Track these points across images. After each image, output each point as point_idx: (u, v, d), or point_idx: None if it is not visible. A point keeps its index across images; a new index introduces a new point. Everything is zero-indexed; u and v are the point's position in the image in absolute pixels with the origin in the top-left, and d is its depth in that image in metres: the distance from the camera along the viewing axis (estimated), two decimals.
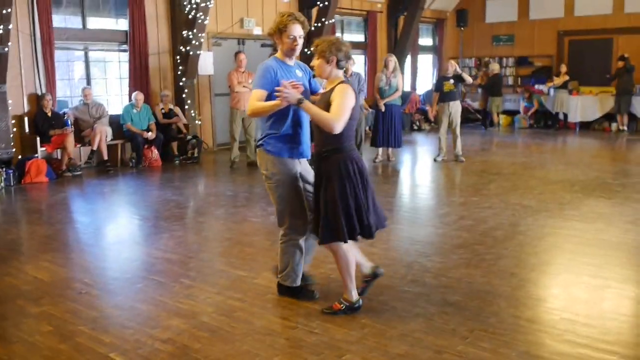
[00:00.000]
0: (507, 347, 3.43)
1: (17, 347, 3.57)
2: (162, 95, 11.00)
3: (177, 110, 11.16)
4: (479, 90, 16.17)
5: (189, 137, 11.01)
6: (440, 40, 17.56)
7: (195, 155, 11.00)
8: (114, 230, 6.62)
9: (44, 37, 9.64)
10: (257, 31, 12.74)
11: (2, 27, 8.65)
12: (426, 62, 17.57)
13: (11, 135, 9.25)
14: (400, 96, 10.09)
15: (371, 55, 15.30)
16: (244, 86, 9.82)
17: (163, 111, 10.99)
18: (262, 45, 12.97)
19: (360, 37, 15.51)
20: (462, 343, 3.49)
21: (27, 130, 9.54)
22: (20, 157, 9.32)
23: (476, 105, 16.51)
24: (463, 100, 16.49)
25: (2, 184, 8.72)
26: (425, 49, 17.28)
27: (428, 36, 17.61)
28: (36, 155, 9.36)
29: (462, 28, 16.74)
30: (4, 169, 8.86)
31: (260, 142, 4.08)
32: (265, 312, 4.00)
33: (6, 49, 8.86)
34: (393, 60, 9.88)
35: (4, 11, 8.58)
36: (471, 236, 5.71)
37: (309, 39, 13.43)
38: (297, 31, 4.00)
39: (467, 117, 15.89)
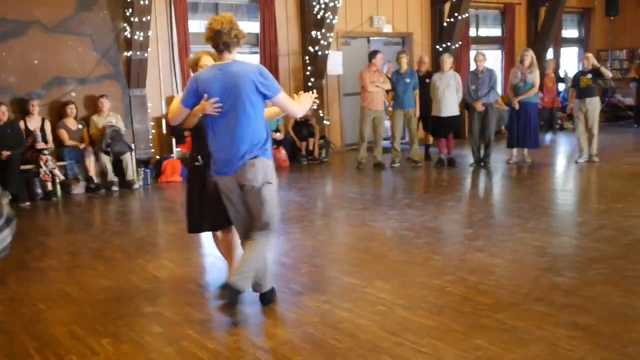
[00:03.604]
0: None
1: (126, 347, 3.63)
2: None
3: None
4: (631, 84, 14.77)
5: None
6: (586, 31, 16.25)
7: (323, 155, 11.01)
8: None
9: (181, 42, 10.09)
10: (387, 29, 12.50)
11: (142, 34, 9.15)
12: (571, 56, 16.35)
13: (150, 137, 9.79)
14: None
15: (509, 50, 14.49)
16: (376, 86, 9.62)
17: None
18: (385, 44, 12.69)
19: (497, 32, 14.75)
20: None
21: (164, 131, 10.04)
22: (157, 157, 9.82)
23: (629, 100, 15.09)
24: (612, 95, 15.19)
25: (141, 182, 9.24)
26: (570, 41, 16.09)
27: (573, 27, 16.39)
28: (172, 155, 9.82)
29: (613, 17, 15.36)
30: (143, 169, 9.38)
31: (259, 151, 3.86)
32: (372, 324, 3.77)
33: (146, 55, 9.37)
34: (529, 55, 9.22)
35: (144, 19, 9.07)
36: (612, 249, 5.09)
37: (440, 34, 12.98)
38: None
39: (618, 114, 14.60)
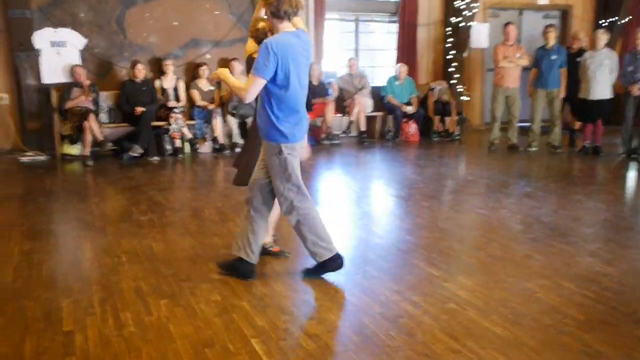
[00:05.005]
0: None
1: (179, 310, 3.60)
2: (434, 89, 10.51)
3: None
4: None
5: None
6: None
7: (456, 133, 10.42)
8: (332, 203, 6.50)
9: (317, 9, 9.97)
10: (543, 0, 11.43)
11: None
12: None
13: None
14: None
15: None
16: (509, 61, 8.87)
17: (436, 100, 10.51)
18: (545, 17, 11.62)
19: None
20: None
21: None
22: None
23: None
24: None
25: None
26: None
27: None
28: None
29: None
30: None
31: None
32: (435, 324, 3.40)
33: None
34: None
35: None
36: None
37: (605, 8, 11.59)
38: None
39: None
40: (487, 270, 4.25)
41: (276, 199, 4.07)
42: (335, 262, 4.06)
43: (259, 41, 4.18)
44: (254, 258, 4.10)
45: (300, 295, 3.92)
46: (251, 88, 3.75)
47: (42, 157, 8.50)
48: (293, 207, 3.96)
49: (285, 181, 3.92)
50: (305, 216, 3.97)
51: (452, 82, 10.76)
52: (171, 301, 3.75)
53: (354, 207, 6.30)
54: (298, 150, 3.96)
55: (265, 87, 3.76)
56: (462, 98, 10.90)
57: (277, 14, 3.71)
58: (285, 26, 3.77)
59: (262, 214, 4.08)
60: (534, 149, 9.12)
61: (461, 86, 10.88)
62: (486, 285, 3.95)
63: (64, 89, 8.54)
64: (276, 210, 4.40)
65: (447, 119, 10.44)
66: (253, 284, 4.03)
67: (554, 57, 8.77)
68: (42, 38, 8.59)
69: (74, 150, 8.55)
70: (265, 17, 4.18)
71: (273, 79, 3.71)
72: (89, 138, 8.23)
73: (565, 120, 9.62)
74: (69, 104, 8.41)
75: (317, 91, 9.85)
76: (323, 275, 4.11)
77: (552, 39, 8.81)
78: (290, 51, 3.71)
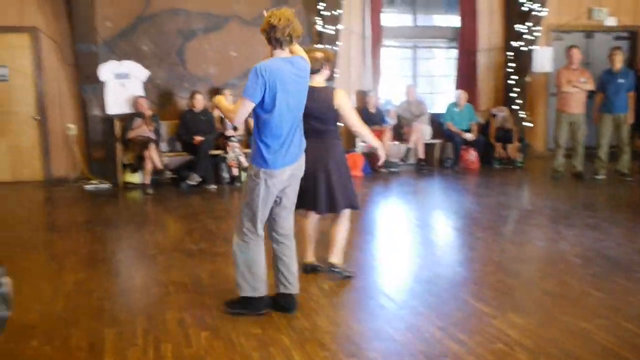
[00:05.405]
0: None
1: (218, 343, 3.57)
2: (496, 114, 10.28)
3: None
4: None
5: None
6: None
7: (519, 160, 10.10)
8: (387, 232, 6.38)
9: (374, 36, 9.96)
10: (610, 22, 11.03)
11: (332, 27, 9.20)
12: None
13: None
14: None
15: None
16: (574, 86, 8.55)
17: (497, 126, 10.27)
18: (617, 38, 11.20)
19: None
20: None
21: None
22: None
23: None
24: None
25: None
26: None
27: None
28: (355, 149, 9.76)
29: None
30: None
31: None
32: None
33: (335, 48, 9.40)
34: None
35: (335, 12, 9.11)
36: None
37: None
38: None
39: None
40: (541, 307, 4.04)
41: (293, 222, 4.13)
42: (256, 304, 3.99)
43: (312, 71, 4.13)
44: (292, 288, 4.08)
45: (342, 330, 3.83)
46: (239, 110, 3.77)
47: (105, 185, 8.79)
48: (241, 231, 3.97)
49: (247, 203, 3.91)
50: (246, 245, 3.97)
51: (513, 107, 10.48)
52: (212, 334, 3.73)
53: (408, 237, 6.18)
54: (279, 178, 3.86)
55: (254, 111, 3.77)
56: (524, 124, 10.59)
57: (269, 40, 3.75)
58: (277, 53, 3.79)
59: (283, 241, 4.08)
60: (600, 177, 8.71)
61: (523, 112, 10.58)
62: (539, 324, 3.75)
63: (127, 119, 8.83)
64: (342, 230, 4.68)
65: (509, 146, 10.15)
66: (295, 317, 3.97)
67: (621, 80, 8.40)
68: (107, 71, 8.94)
69: (135, 178, 8.79)
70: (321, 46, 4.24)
71: (260, 103, 3.72)
72: (149, 167, 8.45)
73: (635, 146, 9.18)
74: (131, 134, 8.69)
75: (374, 119, 9.79)
76: (363, 311, 4.01)
77: (619, 62, 8.46)
78: (278, 76, 3.70)
